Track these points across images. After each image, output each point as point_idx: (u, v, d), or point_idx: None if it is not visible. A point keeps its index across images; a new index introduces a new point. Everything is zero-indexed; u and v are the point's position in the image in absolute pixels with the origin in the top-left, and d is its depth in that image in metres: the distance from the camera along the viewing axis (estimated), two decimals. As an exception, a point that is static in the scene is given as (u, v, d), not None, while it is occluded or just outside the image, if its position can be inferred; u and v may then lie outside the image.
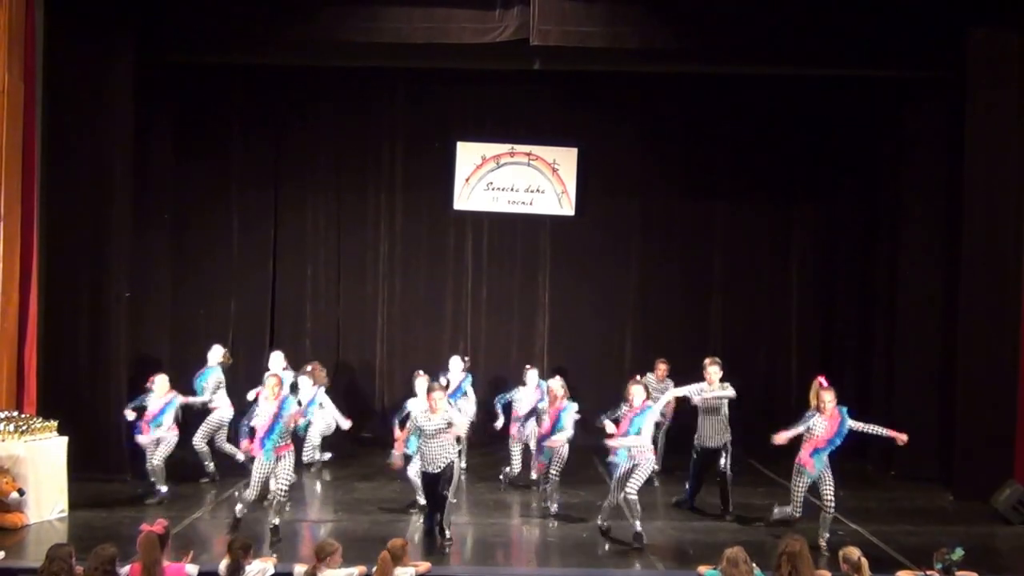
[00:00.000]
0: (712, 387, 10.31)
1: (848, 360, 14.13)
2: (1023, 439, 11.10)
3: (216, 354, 12.07)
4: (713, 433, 10.37)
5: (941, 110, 12.45)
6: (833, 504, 9.30)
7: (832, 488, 9.29)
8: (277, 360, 12.39)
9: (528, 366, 12.01)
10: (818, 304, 14.69)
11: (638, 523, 9.31)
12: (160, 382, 10.83)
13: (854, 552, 7.24)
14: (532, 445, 11.18)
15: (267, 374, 10.14)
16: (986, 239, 11.44)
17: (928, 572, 7.30)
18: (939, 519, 10.53)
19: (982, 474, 11.05)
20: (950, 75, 11.87)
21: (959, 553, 7.13)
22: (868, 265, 14.07)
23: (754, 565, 7.06)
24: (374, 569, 7.41)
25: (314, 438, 12.32)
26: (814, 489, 9.41)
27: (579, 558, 9.01)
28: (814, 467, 9.28)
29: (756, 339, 14.71)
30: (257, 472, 9.30)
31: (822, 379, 9.57)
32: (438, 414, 9.29)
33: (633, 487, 9.31)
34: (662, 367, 12.25)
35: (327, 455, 12.57)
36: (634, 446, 9.35)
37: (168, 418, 10.73)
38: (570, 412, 10.19)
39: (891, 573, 7.76)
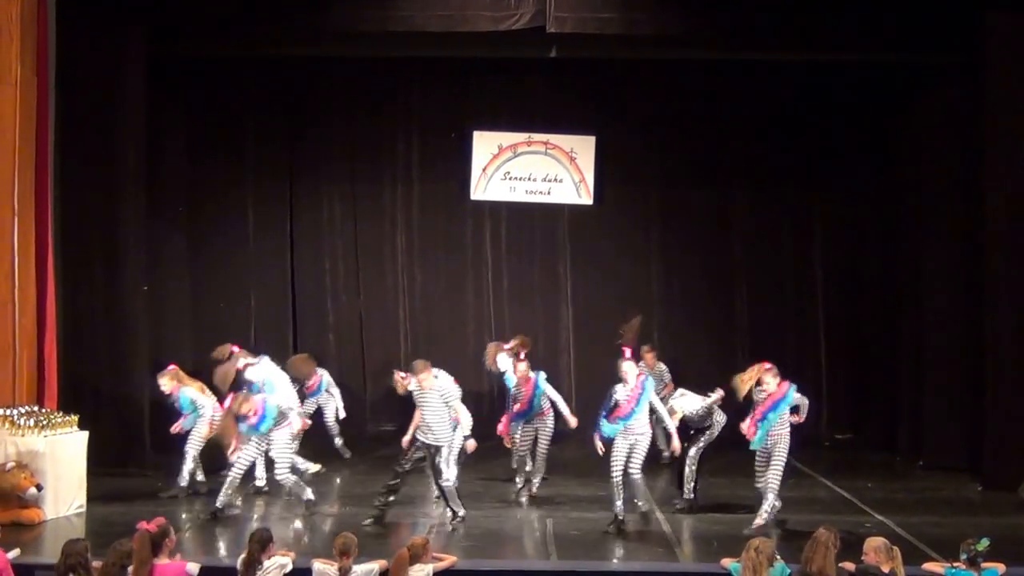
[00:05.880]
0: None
1: (876, 349, 13.98)
2: (1052, 429, 10.96)
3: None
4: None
5: (959, 95, 12.21)
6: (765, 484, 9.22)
7: (775, 471, 9.17)
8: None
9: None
10: (844, 292, 14.50)
11: (641, 503, 9.38)
12: (163, 383, 10.55)
13: (876, 539, 7.18)
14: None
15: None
16: (1008, 226, 11.28)
17: (954, 563, 7.21)
18: (966, 510, 10.36)
19: (1011, 464, 10.92)
20: (968, 59, 11.69)
21: (985, 543, 7.07)
22: (893, 253, 13.84)
23: (778, 557, 6.99)
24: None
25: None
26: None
27: (597, 550, 8.92)
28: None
29: (783, 328, 14.54)
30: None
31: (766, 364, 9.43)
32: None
33: (636, 467, 9.29)
34: (649, 355, 12.23)
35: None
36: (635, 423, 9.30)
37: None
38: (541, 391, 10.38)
39: (917, 564, 7.67)
